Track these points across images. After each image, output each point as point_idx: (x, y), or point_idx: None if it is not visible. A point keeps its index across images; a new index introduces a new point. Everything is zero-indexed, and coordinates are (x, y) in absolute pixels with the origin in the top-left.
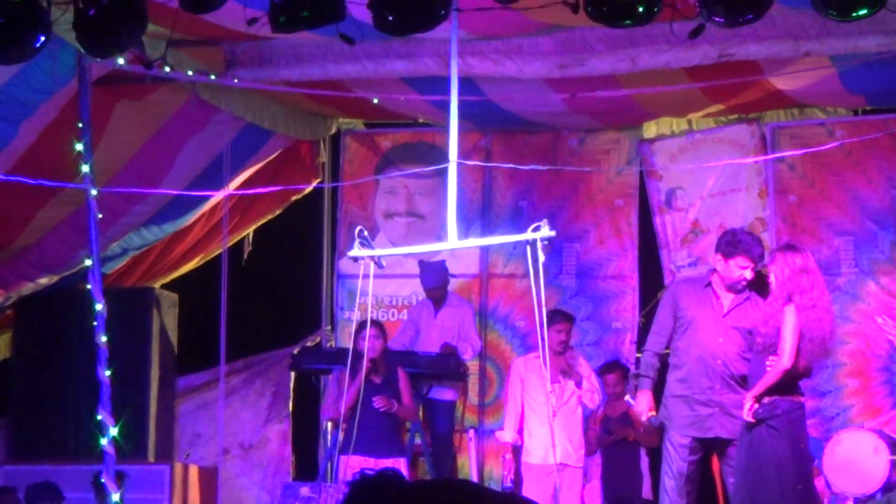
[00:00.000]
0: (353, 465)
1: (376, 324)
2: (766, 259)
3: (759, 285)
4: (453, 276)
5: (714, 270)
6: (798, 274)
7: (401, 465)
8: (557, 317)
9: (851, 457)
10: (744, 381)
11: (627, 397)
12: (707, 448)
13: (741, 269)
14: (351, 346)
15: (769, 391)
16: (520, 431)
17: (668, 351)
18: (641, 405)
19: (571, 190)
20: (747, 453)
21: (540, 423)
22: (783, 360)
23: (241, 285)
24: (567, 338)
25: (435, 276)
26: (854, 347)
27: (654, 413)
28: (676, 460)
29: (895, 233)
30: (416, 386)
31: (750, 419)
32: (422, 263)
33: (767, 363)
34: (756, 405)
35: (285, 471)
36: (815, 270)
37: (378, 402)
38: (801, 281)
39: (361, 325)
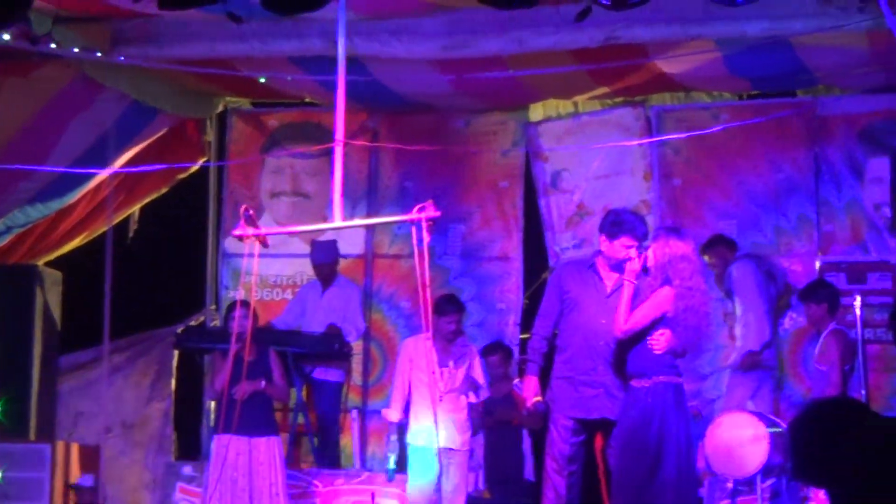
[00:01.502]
0: (227, 444)
1: (245, 303)
2: (650, 237)
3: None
4: (340, 256)
5: (599, 252)
6: (679, 260)
7: (275, 443)
8: (448, 307)
9: (732, 439)
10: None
11: (516, 381)
12: (591, 429)
13: (626, 249)
14: (227, 326)
15: (648, 372)
16: (406, 411)
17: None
18: (528, 390)
19: (457, 171)
20: (629, 434)
21: (426, 406)
22: (619, 324)
23: (126, 263)
24: (457, 327)
25: (326, 253)
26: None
27: (540, 398)
28: (559, 441)
29: (778, 217)
30: (301, 366)
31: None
32: (314, 242)
33: (649, 341)
34: (637, 383)
35: (167, 450)
36: (697, 259)
37: (237, 393)
38: (681, 267)
39: (231, 306)
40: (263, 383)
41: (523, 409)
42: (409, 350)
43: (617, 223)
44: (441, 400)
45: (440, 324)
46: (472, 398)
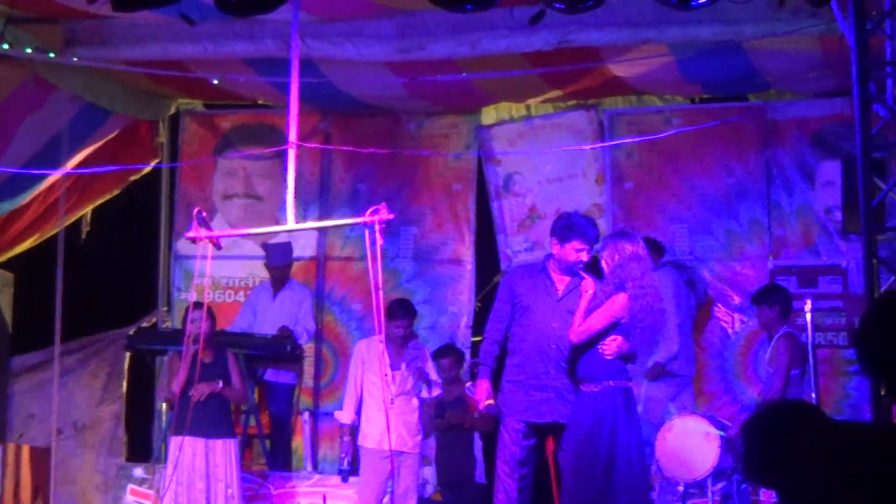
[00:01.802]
0: (183, 446)
1: (202, 305)
2: (599, 245)
3: (595, 269)
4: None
5: (550, 255)
6: (629, 261)
7: (231, 446)
8: (399, 312)
9: (682, 442)
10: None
11: (468, 385)
12: (542, 432)
13: (577, 253)
14: (184, 328)
15: (598, 376)
16: (359, 413)
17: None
18: (480, 393)
19: (410, 174)
20: (580, 438)
21: (377, 408)
22: (573, 329)
23: (78, 265)
24: (405, 332)
25: (281, 256)
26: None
27: (492, 402)
28: (510, 445)
29: (729, 220)
30: (253, 368)
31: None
32: (268, 245)
33: (600, 347)
34: (587, 387)
35: (118, 451)
36: (647, 257)
37: (195, 394)
38: (632, 268)
39: (189, 308)
40: (220, 384)
41: (475, 412)
42: (361, 352)
43: (568, 227)
44: (393, 403)
45: (390, 327)
46: (426, 394)
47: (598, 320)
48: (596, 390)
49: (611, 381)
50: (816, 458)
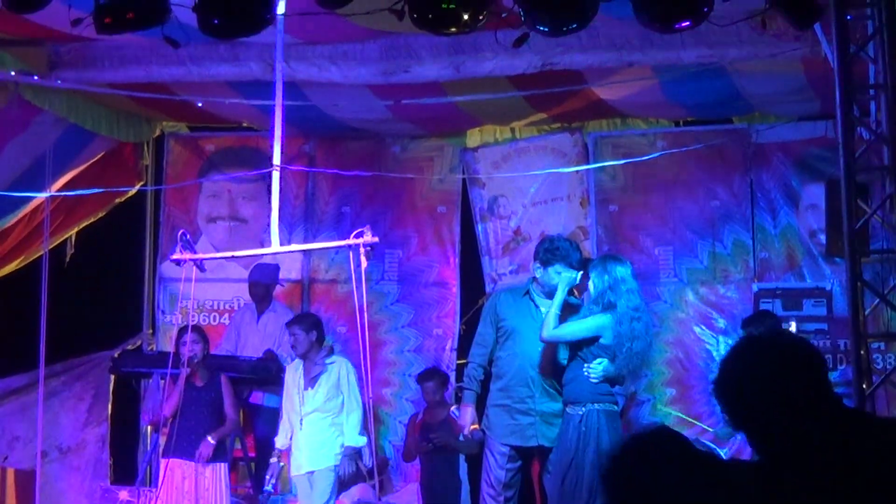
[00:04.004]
0: (172, 468)
1: (197, 328)
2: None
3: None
4: (280, 283)
5: (534, 279)
6: (619, 283)
7: (221, 469)
8: (292, 321)
9: None
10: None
11: (454, 408)
12: (527, 456)
13: (560, 276)
14: (172, 351)
15: (583, 399)
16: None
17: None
18: (465, 418)
19: (394, 197)
20: (565, 461)
21: (294, 429)
22: (545, 330)
23: (63, 288)
24: (296, 346)
25: (265, 274)
26: (672, 356)
27: (476, 426)
28: (495, 468)
29: (713, 243)
30: (238, 391)
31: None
32: (256, 264)
33: (585, 369)
34: (572, 410)
35: (103, 474)
36: (635, 283)
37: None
38: (622, 290)
39: (182, 330)
40: (213, 442)
41: (460, 434)
42: (286, 378)
43: (551, 250)
44: (301, 426)
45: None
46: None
47: (575, 330)
48: (581, 413)
49: (596, 404)
50: (682, 491)
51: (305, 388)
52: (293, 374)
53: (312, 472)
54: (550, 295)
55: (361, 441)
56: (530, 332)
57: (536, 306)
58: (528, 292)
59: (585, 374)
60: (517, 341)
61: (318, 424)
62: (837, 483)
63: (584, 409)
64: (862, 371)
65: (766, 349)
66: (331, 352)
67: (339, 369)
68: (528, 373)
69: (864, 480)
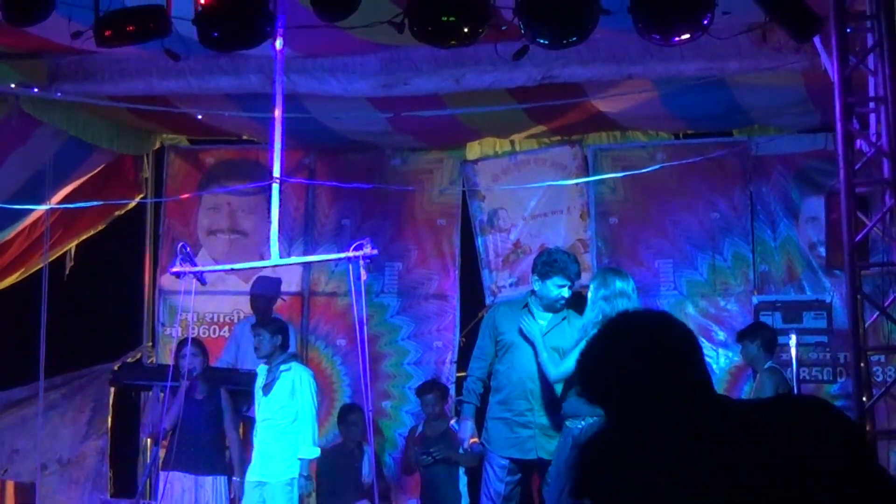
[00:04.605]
0: (172, 481)
1: (196, 341)
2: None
3: (578, 305)
4: (281, 296)
5: (532, 291)
6: (618, 295)
7: (221, 483)
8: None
9: None
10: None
11: (453, 421)
12: (526, 469)
13: (558, 289)
14: (172, 363)
15: (582, 412)
16: None
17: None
18: (464, 432)
19: (394, 209)
20: (564, 475)
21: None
22: (550, 374)
23: (63, 300)
24: (260, 351)
25: (267, 286)
26: None
27: (476, 440)
28: (495, 481)
29: (713, 255)
30: (237, 404)
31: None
32: (259, 276)
33: None
34: (571, 423)
35: (103, 487)
36: (635, 296)
37: None
38: (620, 303)
39: (182, 343)
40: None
41: (460, 448)
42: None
43: (548, 263)
44: (257, 433)
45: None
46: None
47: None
48: (580, 426)
49: (595, 417)
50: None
51: (264, 395)
52: (259, 379)
53: (264, 484)
54: (549, 308)
55: (315, 453)
56: (529, 346)
57: (535, 319)
58: (527, 305)
59: None
60: (516, 354)
61: (272, 433)
62: (683, 464)
63: (583, 422)
64: (862, 384)
65: (631, 329)
66: (290, 359)
67: (293, 377)
68: (528, 386)
69: (711, 462)
